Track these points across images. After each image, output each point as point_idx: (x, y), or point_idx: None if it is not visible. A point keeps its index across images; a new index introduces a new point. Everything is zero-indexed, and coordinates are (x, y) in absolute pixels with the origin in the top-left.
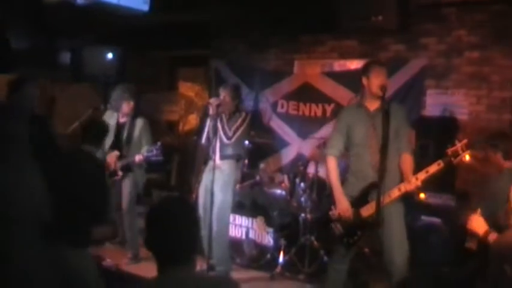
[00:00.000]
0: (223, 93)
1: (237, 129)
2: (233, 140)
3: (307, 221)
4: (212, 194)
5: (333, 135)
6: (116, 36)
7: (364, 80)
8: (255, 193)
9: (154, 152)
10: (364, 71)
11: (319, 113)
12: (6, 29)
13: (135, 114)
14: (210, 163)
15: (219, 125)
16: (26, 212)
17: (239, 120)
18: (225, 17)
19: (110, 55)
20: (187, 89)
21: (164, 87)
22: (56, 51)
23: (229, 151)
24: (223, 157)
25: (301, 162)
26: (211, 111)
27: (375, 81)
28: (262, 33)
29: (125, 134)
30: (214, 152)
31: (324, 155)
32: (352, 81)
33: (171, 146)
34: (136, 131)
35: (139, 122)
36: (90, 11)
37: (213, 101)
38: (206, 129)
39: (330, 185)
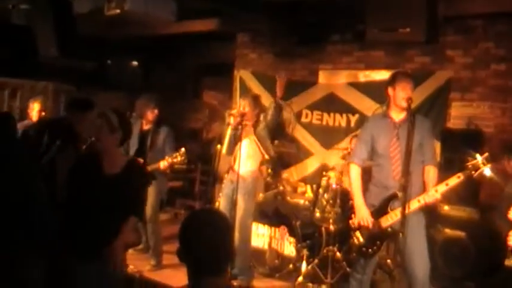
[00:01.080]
0: (243, 103)
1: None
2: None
3: (330, 232)
4: (234, 203)
5: (356, 145)
6: (141, 45)
7: (390, 91)
8: (277, 202)
9: (179, 158)
10: (390, 81)
11: (343, 123)
12: (36, 37)
13: (159, 122)
14: (232, 172)
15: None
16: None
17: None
18: (251, 26)
19: (135, 64)
20: (211, 98)
21: (188, 96)
22: (84, 61)
23: (251, 161)
24: (245, 166)
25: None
26: (232, 120)
27: (401, 92)
28: (288, 42)
29: (148, 141)
30: (235, 162)
31: (347, 164)
32: (377, 91)
33: (194, 154)
34: (160, 139)
35: (164, 130)
36: (117, 21)
37: (235, 111)
38: (227, 140)
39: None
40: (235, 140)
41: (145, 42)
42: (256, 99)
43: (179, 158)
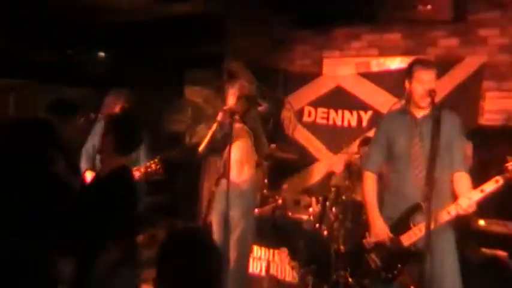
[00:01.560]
0: (232, 91)
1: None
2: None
3: (340, 254)
4: (228, 221)
5: (370, 147)
6: (110, 33)
7: (407, 84)
8: (276, 219)
9: (153, 167)
10: (406, 73)
11: (353, 122)
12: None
13: None
14: (224, 182)
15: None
16: None
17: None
18: (242, 9)
19: (103, 55)
20: (196, 95)
21: (168, 93)
22: (40, 49)
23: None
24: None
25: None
26: (219, 116)
27: (418, 87)
28: (286, 27)
29: None
30: (229, 169)
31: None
32: (394, 83)
33: (175, 162)
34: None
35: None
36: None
37: (228, 107)
38: (209, 136)
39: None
40: (224, 141)
41: (118, 29)
42: (249, 86)
43: (153, 167)
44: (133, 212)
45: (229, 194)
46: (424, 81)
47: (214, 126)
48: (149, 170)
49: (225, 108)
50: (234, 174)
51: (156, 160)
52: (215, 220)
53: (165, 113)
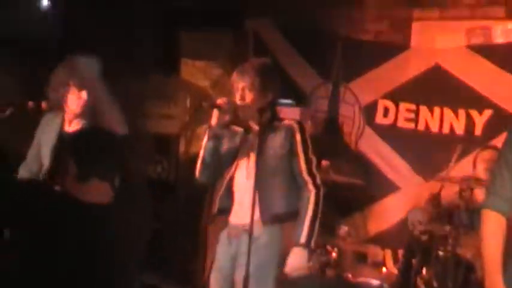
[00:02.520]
0: (242, 83)
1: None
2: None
3: None
4: (234, 284)
5: (495, 173)
6: None
7: None
8: (328, 284)
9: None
10: None
11: (460, 126)
12: None
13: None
14: (231, 225)
15: (241, 147)
16: None
17: (282, 138)
18: None
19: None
20: (197, 74)
21: (152, 69)
22: None
23: (272, 203)
24: (262, 218)
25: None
26: (214, 119)
27: None
28: None
29: (73, 155)
30: (232, 202)
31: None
32: None
33: (162, 183)
34: (96, 150)
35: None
36: None
37: (222, 102)
38: (202, 153)
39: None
40: (227, 156)
41: None
42: (269, 72)
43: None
44: None
45: (239, 243)
46: None
47: (205, 139)
48: None
49: (219, 102)
50: (242, 213)
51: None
52: (214, 280)
53: (149, 102)
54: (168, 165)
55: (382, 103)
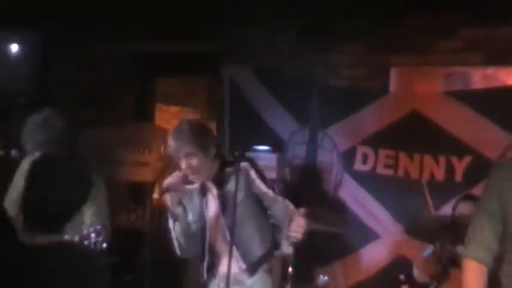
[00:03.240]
0: (184, 150)
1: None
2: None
3: None
4: None
5: (475, 221)
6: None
7: None
8: None
9: (93, 236)
10: None
11: (439, 173)
12: None
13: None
14: (217, 279)
15: (207, 204)
16: None
17: (239, 184)
18: None
19: (15, 48)
20: (173, 119)
21: (127, 116)
22: None
23: (250, 249)
24: (246, 264)
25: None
26: (168, 202)
27: None
28: (325, 13)
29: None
30: (216, 256)
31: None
32: (510, 110)
33: (135, 232)
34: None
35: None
36: None
37: (169, 183)
38: (174, 236)
39: None
40: (199, 218)
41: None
42: (203, 130)
43: (93, 239)
44: None
45: None
46: None
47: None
48: (86, 241)
49: (167, 183)
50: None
51: (96, 229)
52: None
53: (122, 151)
54: (143, 213)
55: (361, 149)
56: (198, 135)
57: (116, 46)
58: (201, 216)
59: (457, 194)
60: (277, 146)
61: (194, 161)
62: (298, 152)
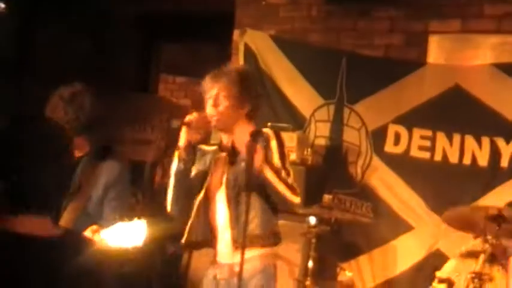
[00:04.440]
0: (217, 89)
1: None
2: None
3: None
4: None
5: None
6: None
7: None
8: None
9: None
10: None
11: (483, 158)
12: None
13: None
14: (217, 264)
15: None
16: None
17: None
18: None
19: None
20: (177, 92)
21: (127, 86)
22: None
23: (255, 229)
24: (243, 245)
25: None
26: (181, 139)
27: None
28: None
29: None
30: (210, 234)
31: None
32: None
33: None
34: (100, 183)
35: (111, 166)
36: None
37: (192, 118)
38: (171, 181)
39: None
40: (197, 182)
41: None
42: (250, 79)
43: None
44: None
45: (227, 284)
46: None
47: (175, 162)
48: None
49: (188, 119)
50: (229, 246)
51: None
52: None
53: (115, 125)
54: (144, 198)
55: (393, 128)
56: (243, 79)
57: (118, 6)
58: (203, 178)
59: (503, 182)
60: (298, 123)
61: (224, 105)
62: (321, 131)
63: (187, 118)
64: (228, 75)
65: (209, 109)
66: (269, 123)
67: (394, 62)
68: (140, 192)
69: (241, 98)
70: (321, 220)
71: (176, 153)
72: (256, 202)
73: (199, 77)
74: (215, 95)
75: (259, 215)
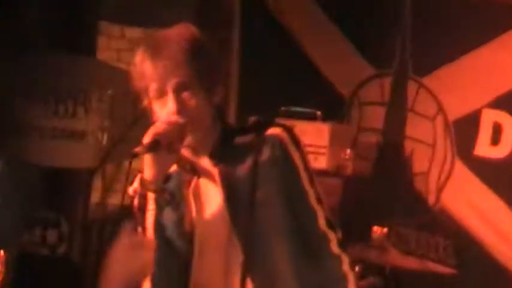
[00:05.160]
0: (170, 77)
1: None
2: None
3: None
4: None
5: None
6: None
7: None
8: None
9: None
10: None
11: None
12: None
13: None
14: None
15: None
16: None
17: (264, 161)
18: None
19: None
20: (125, 53)
21: (49, 44)
22: None
23: None
24: None
25: None
26: (152, 168)
27: None
28: None
29: None
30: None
31: None
32: None
33: (59, 261)
34: None
35: None
36: None
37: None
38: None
39: None
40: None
41: None
42: (210, 48)
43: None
44: None
45: None
46: None
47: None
48: None
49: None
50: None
51: None
52: None
53: (41, 106)
54: (70, 230)
55: (490, 116)
56: (202, 53)
57: None
58: (185, 223)
59: None
60: (331, 107)
61: (188, 96)
62: (371, 119)
63: (154, 133)
64: (179, 51)
65: (171, 106)
66: (282, 107)
67: (489, 9)
68: (65, 221)
69: (211, 79)
70: (367, 268)
71: (150, 198)
72: (286, 247)
73: (163, 27)
74: (171, 90)
75: (298, 271)
